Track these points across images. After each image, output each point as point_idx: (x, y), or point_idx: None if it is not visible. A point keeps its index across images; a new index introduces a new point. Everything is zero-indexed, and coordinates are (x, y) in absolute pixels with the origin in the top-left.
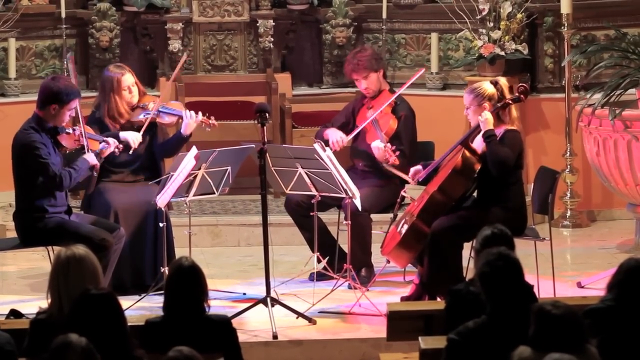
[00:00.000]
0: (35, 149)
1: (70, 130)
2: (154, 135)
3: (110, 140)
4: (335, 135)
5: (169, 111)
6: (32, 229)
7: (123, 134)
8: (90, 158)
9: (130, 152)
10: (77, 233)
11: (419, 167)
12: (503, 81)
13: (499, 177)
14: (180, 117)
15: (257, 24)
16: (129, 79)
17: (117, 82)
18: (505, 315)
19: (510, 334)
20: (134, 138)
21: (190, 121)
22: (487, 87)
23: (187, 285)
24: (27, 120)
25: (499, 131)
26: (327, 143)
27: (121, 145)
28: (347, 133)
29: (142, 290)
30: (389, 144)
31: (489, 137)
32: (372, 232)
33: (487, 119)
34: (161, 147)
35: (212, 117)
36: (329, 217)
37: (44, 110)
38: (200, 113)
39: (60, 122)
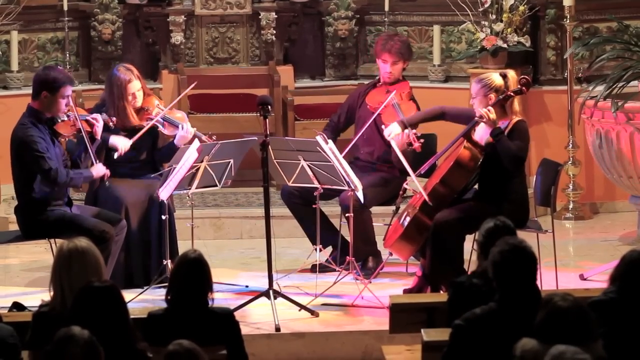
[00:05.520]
0: (32, 143)
1: (65, 117)
2: (155, 140)
3: (97, 116)
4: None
5: (171, 122)
6: (33, 223)
7: (112, 140)
8: (97, 170)
9: (115, 156)
10: (78, 225)
11: None
12: (512, 74)
13: (515, 170)
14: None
15: (260, 17)
16: (135, 85)
17: (123, 88)
18: (513, 305)
19: (517, 322)
20: (122, 145)
21: (184, 134)
22: (495, 79)
23: (192, 277)
24: (22, 115)
25: (505, 122)
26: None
27: (114, 119)
28: (349, 126)
29: (149, 283)
30: (413, 130)
31: (497, 135)
32: (375, 224)
33: (490, 118)
34: (157, 154)
35: (214, 136)
36: (330, 210)
37: (37, 100)
38: (203, 135)
39: (56, 111)
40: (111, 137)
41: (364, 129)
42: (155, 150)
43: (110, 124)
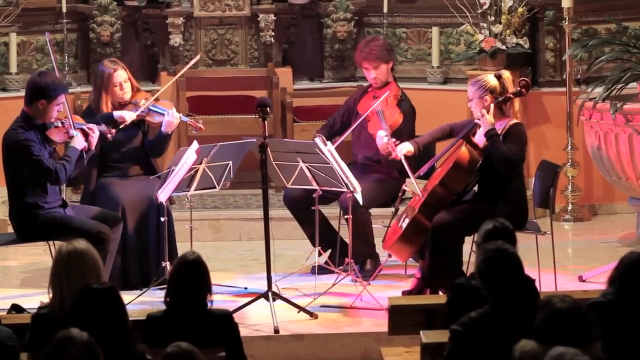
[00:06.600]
0: (26, 148)
1: (59, 124)
2: (146, 133)
3: (93, 126)
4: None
5: (158, 110)
6: (28, 226)
7: (117, 113)
8: (78, 143)
9: (121, 127)
10: (73, 227)
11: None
12: (507, 74)
13: (507, 173)
14: None
15: (258, 18)
16: (121, 75)
17: (108, 78)
18: (507, 308)
19: (513, 324)
20: (129, 116)
21: (170, 119)
22: (490, 80)
23: (190, 279)
24: (15, 120)
25: (502, 124)
26: None
27: (113, 130)
28: (344, 131)
29: (147, 285)
30: (393, 139)
31: (491, 136)
32: (374, 226)
33: (486, 119)
34: (148, 145)
35: (200, 121)
36: (330, 212)
37: (31, 107)
38: (189, 119)
39: (48, 118)
40: (114, 112)
41: (348, 132)
42: (147, 143)
43: (109, 135)
